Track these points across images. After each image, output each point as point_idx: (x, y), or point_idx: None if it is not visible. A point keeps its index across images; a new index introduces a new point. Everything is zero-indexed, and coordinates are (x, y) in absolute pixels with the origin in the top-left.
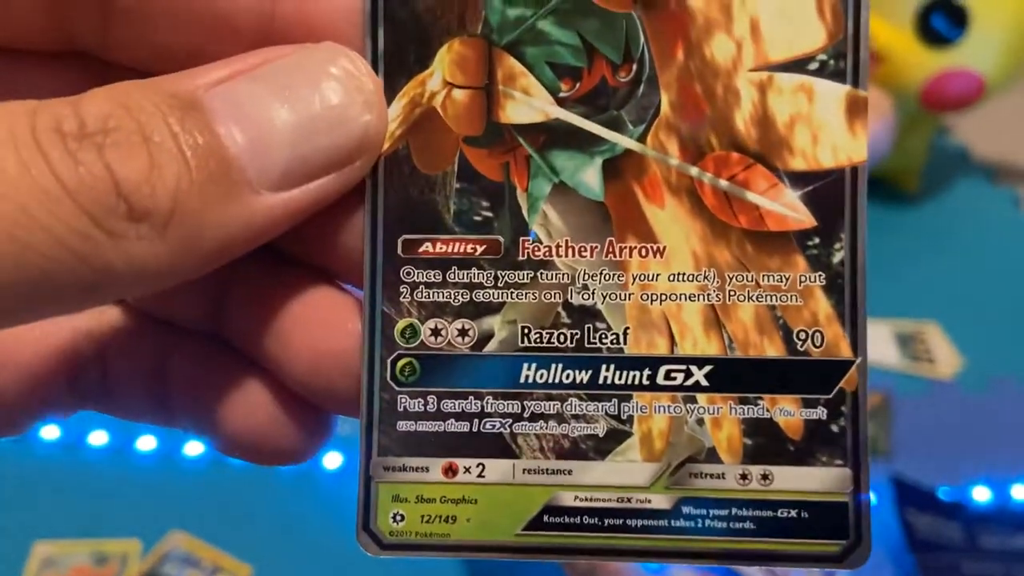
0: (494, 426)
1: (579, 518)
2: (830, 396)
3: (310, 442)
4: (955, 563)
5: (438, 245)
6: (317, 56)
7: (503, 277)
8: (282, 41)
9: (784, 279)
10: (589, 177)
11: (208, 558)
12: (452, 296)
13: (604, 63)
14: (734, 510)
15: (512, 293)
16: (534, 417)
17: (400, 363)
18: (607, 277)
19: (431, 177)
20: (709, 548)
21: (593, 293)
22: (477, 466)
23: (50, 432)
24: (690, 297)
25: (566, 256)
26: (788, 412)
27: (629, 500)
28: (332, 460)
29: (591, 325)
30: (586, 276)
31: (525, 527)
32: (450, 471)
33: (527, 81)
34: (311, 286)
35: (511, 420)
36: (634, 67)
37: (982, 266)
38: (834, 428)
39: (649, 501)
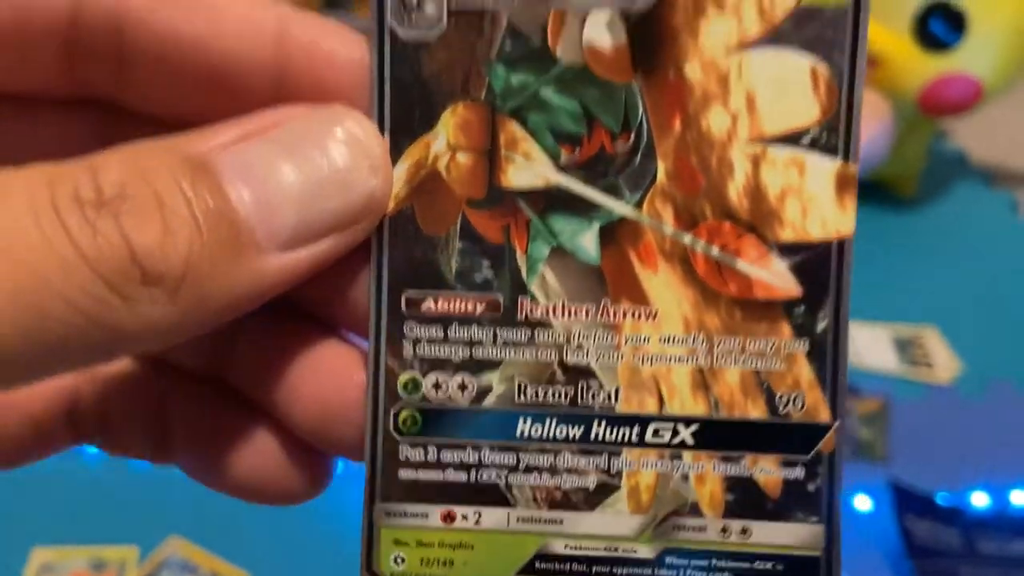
0: (491, 476)
1: (569, 565)
2: (808, 457)
3: (314, 484)
4: (953, 569)
5: (440, 303)
6: (325, 119)
7: (502, 335)
8: (293, 96)
9: (770, 345)
10: (586, 241)
11: (205, 565)
12: (453, 352)
13: (603, 131)
14: (714, 561)
15: (510, 351)
16: (529, 469)
17: (402, 415)
18: (601, 338)
19: (434, 237)
20: None
21: (587, 353)
22: (474, 514)
23: None
24: (679, 360)
25: (562, 317)
26: (768, 471)
27: (616, 549)
28: None
29: (584, 383)
30: (581, 336)
31: (518, 572)
32: (448, 518)
33: (528, 146)
34: (318, 338)
35: (507, 471)
36: (632, 136)
37: (980, 270)
38: (810, 487)
39: (635, 551)
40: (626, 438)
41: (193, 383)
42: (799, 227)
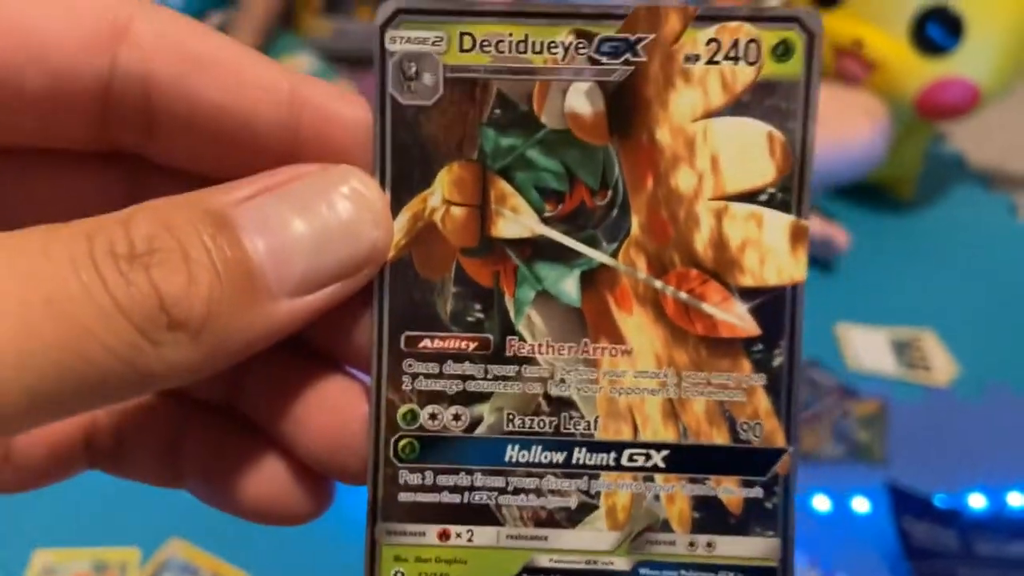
0: (482, 498)
1: None
2: (766, 479)
3: (318, 506)
4: (951, 570)
5: (436, 341)
6: (333, 177)
7: (492, 371)
8: (304, 152)
9: (732, 379)
10: (568, 286)
11: (207, 567)
12: (447, 386)
13: (583, 188)
14: (683, 572)
15: (499, 384)
16: (516, 491)
17: (402, 443)
18: (581, 373)
19: (431, 282)
20: None
21: (569, 386)
22: (467, 532)
23: None
24: (652, 392)
25: (546, 354)
26: (730, 491)
27: (595, 562)
28: None
29: (567, 414)
30: (563, 371)
31: None
32: (444, 536)
33: (516, 201)
34: (324, 373)
35: (497, 493)
36: (609, 193)
37: (978, 273)
38: (768, 505)
39: (612, 564)
40: (604, 462)
41: (206, 413)
42: (758, 274)
